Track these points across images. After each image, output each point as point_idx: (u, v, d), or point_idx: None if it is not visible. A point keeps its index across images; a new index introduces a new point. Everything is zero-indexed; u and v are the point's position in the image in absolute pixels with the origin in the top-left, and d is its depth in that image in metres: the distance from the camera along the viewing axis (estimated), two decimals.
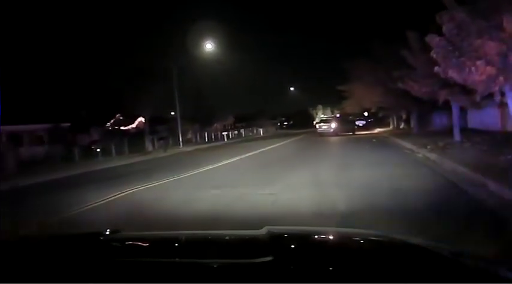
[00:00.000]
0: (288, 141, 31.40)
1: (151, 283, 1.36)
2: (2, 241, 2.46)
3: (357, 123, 63.74)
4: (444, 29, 9.68)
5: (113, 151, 31.04)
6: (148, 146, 34.47)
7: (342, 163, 13.15)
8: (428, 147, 15.42)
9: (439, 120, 29.22)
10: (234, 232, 3.22)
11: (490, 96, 10.31)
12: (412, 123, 37.08)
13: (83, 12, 28.66)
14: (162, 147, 30.40)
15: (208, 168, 14.55)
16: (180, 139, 35.46)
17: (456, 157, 11.51)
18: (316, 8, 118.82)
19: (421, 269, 1.37)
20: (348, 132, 35.43)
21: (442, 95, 15.37)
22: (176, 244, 2.10)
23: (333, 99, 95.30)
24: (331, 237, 2.13)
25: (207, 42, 33.79)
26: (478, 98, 10.89)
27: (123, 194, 9.68)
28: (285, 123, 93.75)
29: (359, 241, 1.95)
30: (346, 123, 37.94)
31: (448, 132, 22.58)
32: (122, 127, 47.77)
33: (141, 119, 50.03)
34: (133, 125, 47.96)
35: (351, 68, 32.38)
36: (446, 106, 26.05)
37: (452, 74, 9.51)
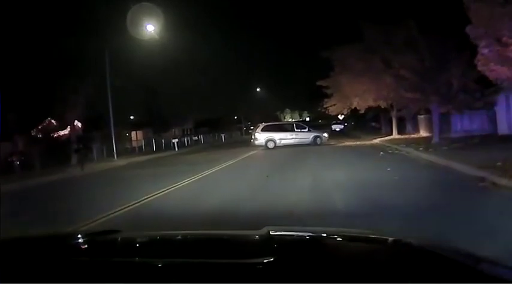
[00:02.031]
0: (252, 153, 23.44)
1: (151, 283, 1.32)
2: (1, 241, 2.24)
3: (333, 127, 56.66)
4: None
5: (17, 167, 23.27)
6: (74, 158, 26.56)
7: None
8: None
9: (459, 124, 21.94)
10: (234, 232, 2.97)
11: None
12: (407, 126, 30.18)
13: None
14: (79, 161, 21.85)
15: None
16: (115, 149, 27.17)
17: None
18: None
19: (420, 269, 1.35)
20: (305, 141, 25.99)
21: None
22: (176, 244, 2.07)
23: (307, 102, 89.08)
24: (331, 237, 2.05)
25: (148, 23, 25.57)
26: None
27: None
28: (251, 128, 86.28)
29: (359, 241, 1.93)
30: (297, 130, 27.12)
31: (495, 140, 15.79)
32: (53, 134, 39.11)
33: (78, 124, 41.66)
34: (66, 131, 38.81)
35: (335, 58, 25.14)
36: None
37: None
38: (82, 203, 10.12)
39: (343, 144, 25.50)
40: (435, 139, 18.70)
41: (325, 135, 27.19)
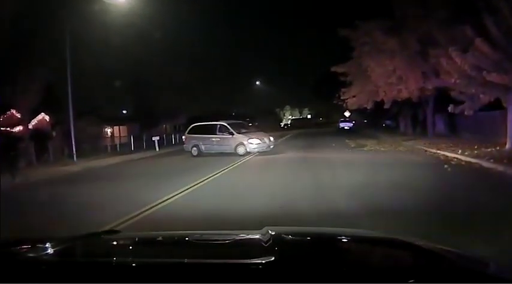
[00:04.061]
0: (245, 159, 17.52)
1: (151, 283, 1.30)
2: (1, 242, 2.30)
3: (340, 125, 50.95)
4: None
5: None
6: (22, 161, 21.09)
7: None
8: None
9: None
10: (234, 232, 2.68)
11: None
12: (437, 126, 24.41)
13: None
14: (11, 168, 15.98)
15: None
16: (74, 149, 21.56)
17: None
18: None
19: (421, 269, 1.34)
20: (227, 150, 19.45)
21: None
22: (176, 244, 2.03)
23: (308, 99, 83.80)
24: (331, 237, 2.01)
25: None
26: None
27: None
28: (249, 125, 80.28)
29: (359, 241, 1.90)
30: (219, 133, 20.40)
31: None
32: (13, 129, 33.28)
33: (45, 117, 35.97)
34: (30, 125, 33.12)
35: (358, 36, 19.73)
36: None
37: None
38: None
39: (365, 148, 18.90)
40: (509, 145, 13.05)
41: (256, 141, 19.22)
